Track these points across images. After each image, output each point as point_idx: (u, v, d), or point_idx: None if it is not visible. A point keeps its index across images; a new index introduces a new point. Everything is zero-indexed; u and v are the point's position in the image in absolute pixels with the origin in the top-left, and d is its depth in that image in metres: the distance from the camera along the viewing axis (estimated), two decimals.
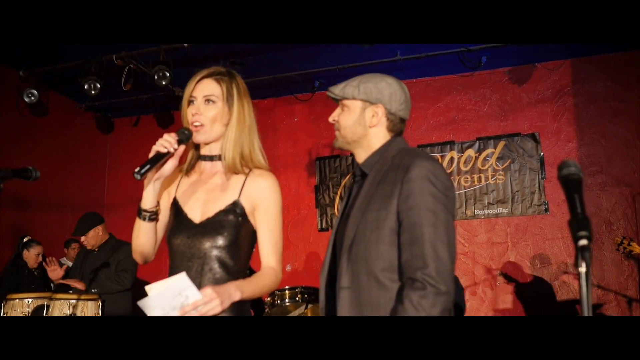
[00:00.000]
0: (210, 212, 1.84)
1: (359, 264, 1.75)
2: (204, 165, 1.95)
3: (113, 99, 7.19)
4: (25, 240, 6.00)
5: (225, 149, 1.89)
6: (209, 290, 1.61)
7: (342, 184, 7.15)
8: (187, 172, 1.95)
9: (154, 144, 1.75)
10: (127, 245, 4.66)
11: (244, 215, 1.85)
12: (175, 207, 1.90)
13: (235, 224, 1.83)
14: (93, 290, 4.27)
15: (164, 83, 5.88)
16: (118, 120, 8.33)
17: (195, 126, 1.84)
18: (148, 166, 1.69)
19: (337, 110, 2.00)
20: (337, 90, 1.98)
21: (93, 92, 6.12)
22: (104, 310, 3.98)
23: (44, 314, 3.72)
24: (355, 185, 1.98)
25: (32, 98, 6.41)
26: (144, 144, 8.13)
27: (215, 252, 1.80)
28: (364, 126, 1.92)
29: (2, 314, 3.80)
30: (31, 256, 5.96)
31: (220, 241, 1.80)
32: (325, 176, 7.26)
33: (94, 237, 4.69)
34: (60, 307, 3.79)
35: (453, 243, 1.69)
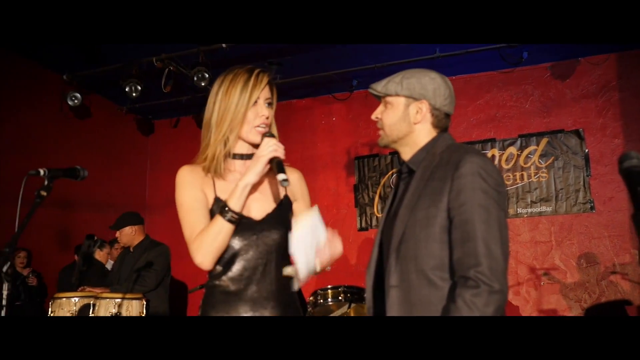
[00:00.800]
0: (269, 208, 1.89)
1: (409, 262, 1.72)
2: (237, 163, 1.93)
3: (153, 101, 7.29)
4: (94, 239, 6.18)
5: None
6: (329, 233, 1.74)
7: (382, 183, 7.10)
8: (216, 171, 1.90)
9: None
10: (159, 246, 4.70)
11: (291, 207, 1.96)
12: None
13: (288, 217, 1.90)
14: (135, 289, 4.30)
15: (203, 84, 5.94)
16: (158, 122, 8.45)
17: (262, 127, 1.87)
18: (284, 172, 1.74)
19: (380, 108, 1.95)
20: (379, 87, 1.93)
21: (134, 94, 6.22)
22: (149, 309, 4.02)
23: (90, 313, 3.78)
24: (401, 182, 1.94)
25: (76, 101, 6.56)
26: (184, 145, 8.27)
27: (281, 245, 1.85)
28: (409, 123, 1.87)
29: (49, 313, 3.88)
30: (104, 255, 6.43)
31: (283, 234, 1.84)
32: (364, 175, 7.22)
33: (127, 235, 4.75)
34: (106, 306, 3.84)
35: (506, 240, 1.64)
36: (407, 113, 1.88)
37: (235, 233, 1.80)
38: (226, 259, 1.83)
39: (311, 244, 1.67)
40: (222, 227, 1.75)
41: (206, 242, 1.76)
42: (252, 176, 1.76)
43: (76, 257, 6.25)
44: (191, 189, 1.85)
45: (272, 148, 1.76)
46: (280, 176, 1.70)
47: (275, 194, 1.92)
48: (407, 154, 1.91)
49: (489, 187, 1.65)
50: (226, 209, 1.75)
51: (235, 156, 1.93)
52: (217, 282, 1.85)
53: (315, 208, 1.70)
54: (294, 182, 1.95)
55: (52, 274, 6.28)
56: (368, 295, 1.92)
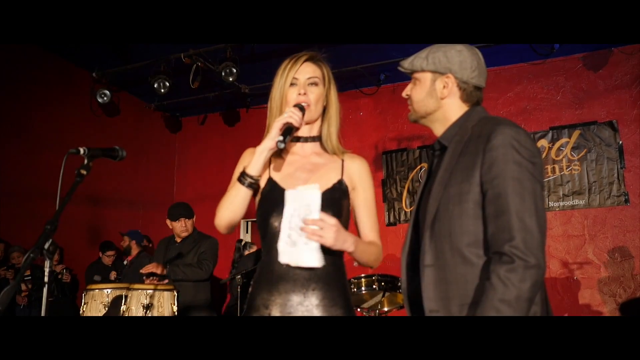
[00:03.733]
0: None
1: (443, 240, 1.67)
2: (295, 145, 1.98)
3: (181, 98, 7.34)
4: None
5: (329, 131, 1.99)
6: (333, 220, 1.68)
7: (410, 177, 7.04)
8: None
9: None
10: (209, 238, 4.70)
11: (346, 193, 1.93)
12: (273, 185, 1.90)
13: (340, 202, 1.89)
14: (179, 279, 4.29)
15: (230, 79, 5.97)
16: (185, 119, 8.50)
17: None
18: (288, 135, 1.78)
19: (410, 85, 1.92)
20: (406, 63, 1.90)
21: (162, 90, 6.27)
22: (180, 301, 4.01)
23: (123, 304, 3.79)
24: (435, 159, 1.89)
25: (105, 98, 6.63)
26: (211, 142, 8.29)
27: None
28: (436, 98, 1.83)
29: (82, 304, 3.89)
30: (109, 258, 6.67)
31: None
32: (392, 170, 7.17)
33: (192, 225, 4.74)
34: (138, 297, 3.83)
35: (542, 213, 1.58)
36: (434, 88, 1.84)
37: (277, 213, 1.82)
38: (269, 237, 1.85)
39: (298, 213, 1.68)
40: (239, 191, 1.84)
41: (223, 205, 1.87)
42: (267, 141, 1.81)
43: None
44: (243, 167, 1.94)
45: (287, 115, 1.79)
46: (279, 138, 1.76)
47: (328, 178, 1.91)
48: (438, 130, 1.87)
49: (522, 159, 1.59)
50: (243, 173, 1.83)
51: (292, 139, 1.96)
52: (264, 260, 1.88)
53: (316, 186, 1.70)
54: (357, 169, 1.96)
55: (82, 270, 6.36)
56: (403, 275, 1.88)
